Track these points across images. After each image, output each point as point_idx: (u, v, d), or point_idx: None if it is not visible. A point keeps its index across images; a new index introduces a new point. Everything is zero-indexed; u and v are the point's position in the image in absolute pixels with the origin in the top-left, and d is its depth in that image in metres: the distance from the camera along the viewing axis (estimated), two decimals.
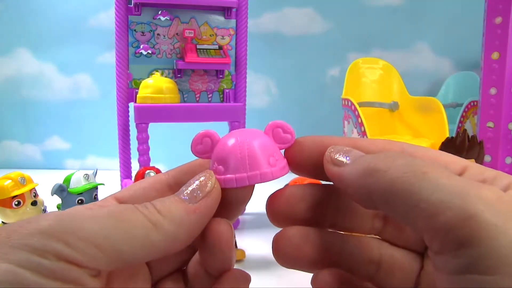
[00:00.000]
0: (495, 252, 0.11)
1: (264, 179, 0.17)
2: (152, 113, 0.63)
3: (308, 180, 0.20)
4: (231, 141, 0.18)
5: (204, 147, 0.19)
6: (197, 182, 0.17)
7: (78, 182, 0.53)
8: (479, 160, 0.48)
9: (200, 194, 0.17)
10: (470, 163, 0.16)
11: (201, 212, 0.17)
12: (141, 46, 0.69)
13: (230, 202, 0.19)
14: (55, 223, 0.15)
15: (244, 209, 0.20)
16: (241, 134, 0.18)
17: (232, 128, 0.69)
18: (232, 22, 0.72)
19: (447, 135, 0.61)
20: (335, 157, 0.17)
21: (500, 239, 0.11)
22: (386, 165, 0.14)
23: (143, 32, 0.69)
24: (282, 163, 0.18)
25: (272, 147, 0.18)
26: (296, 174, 0.19)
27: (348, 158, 0.17)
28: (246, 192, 0.19)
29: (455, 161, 0.17)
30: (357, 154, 0.17)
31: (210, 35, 0.72)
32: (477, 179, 0.15)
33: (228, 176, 0.17)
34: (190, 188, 0.17)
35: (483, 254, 0.11)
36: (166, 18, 0.69)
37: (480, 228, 0.12)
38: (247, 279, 0.19)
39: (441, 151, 0.17)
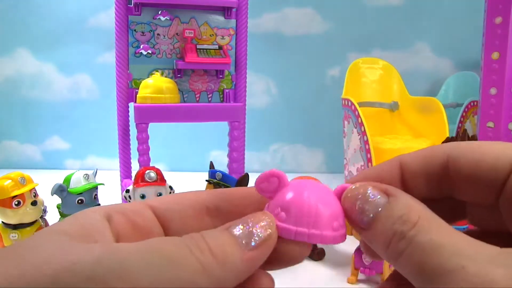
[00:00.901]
0: None
1: (323, 241, 0.16)
2: (152, 113, 0.63)
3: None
4: (302, 193, 0.17)
5: (269, 186, 0.18)
6: (257, 226, 0.16)
7: (78, 182, 0.53)
8: None
9: (258, 241, 0.15)
10: None
11: (254, 261, 0.15)
12: (141, 46, 0.69)
13: (281, 255, 0.17)
14: (98, 265, 0.13)
15: None
16: (313, 188, 0.17)
17: (232, 128, 0.69)
18: (232, 22, 0.72)
19: (447, 135, 0.61)
20: (356, 210, 0.17)
21: None
22: (399, 250, 0.15)
23: (143, 32, 0.69)
24: (343, 230, 0.17)
25: (339, 212, 0.17)
26: None
27: (369, 212, 0.16)
28: (303, 250, 0.17)
29: (503, 156, 0.16)
30: (376, 208, 0.16)
31: (210, 35, 0.72)
32: None
33: (288, 226, 0.16)
34: (248, 231, 0.15)
35: None
36: (166, 18, 0.69)
37: None
38: None
39: (490, 143, 0.17)
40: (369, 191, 0.16)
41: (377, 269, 0.48)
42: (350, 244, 0.62)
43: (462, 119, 0.87)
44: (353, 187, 0.17)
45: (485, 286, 0.12)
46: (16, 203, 0.51)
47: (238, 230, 0.15)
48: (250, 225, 0.16)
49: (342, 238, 0.17)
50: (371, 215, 0.16)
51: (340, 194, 0.18)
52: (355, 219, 0.17)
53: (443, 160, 0.17)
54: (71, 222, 0.15)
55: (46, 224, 0.59)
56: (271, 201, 0.17)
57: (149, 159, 0.65)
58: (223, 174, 0.53)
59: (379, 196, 0.16)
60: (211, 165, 0.57)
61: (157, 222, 0.18)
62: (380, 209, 0.16)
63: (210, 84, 0.73)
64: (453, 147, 0.17)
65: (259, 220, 0.16)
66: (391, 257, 0.15)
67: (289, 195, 0.17)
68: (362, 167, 0.64)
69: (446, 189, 0.17)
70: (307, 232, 0.16)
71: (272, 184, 0.17)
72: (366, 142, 0.62)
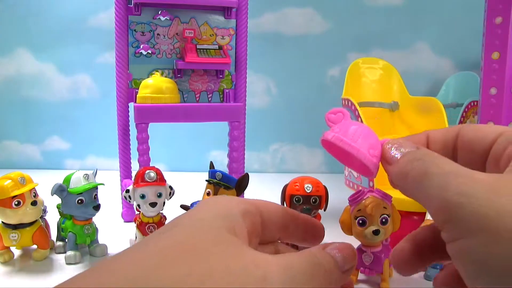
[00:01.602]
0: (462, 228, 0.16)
1: (359, 155, 0.22)
2: (152, 113, 0.63)
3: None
4: (355, 124, 0.23)
5: (335, 118, 0.24)
6: (347, 256, 0.19)
7: (78, 182, 0.53)
8: None
9: (347, 267, 0.19)
10: (506, 129, 0.21)
11: (344, 279, 0.19)
12: (141, 46, 0.69)
13: None
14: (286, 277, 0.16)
15: None
16: (364, 127, 0.23)
17: (232, 128, 0.69)
18: (232, 22, 0.72)
19: None
20: (390, 151, 0.21)
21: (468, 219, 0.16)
22: (411, 166, 0.19)
23: (143, 32, 0.69)
24: (377, 160, 0.22)
25: (378, 147, 0.22)
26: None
27: (398, 152, 0.21)
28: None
29: (493, 131, 0.21)
30: (405, 151, 0.21)
31: (210, 35, 0.72)
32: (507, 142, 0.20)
33: (338, 135, 0.22)
34: (344, 258, 0.19)
35: (454, 229, 0.16)
36: (166, 18, 0.69)
37: (452, 213, 0.16)
38: None
39: (491, 125, 0.23)
40: (404, 143, 0.21)
41: (377, 269, 0.48)
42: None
43: (462, 119, 0.87)
44: (395, 138, 0.22)
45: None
46: (16, 203, 0.51)
47: (335, 253, 0.19)
48: (344, 253, 0.19)
49: (374, 165, 0.22)
50: (399, 154, 0.21)
51: (383, 142, 0.23)
52: (387, 156, 0.21)
53: (456, 132, 0.22)
54: (224, 219, 0.18)
55: (46, 224, 0.59)
56: (334, 126, 0.24)
57: (149, 159, 0.65)
58: (223, 174, 0.53)
59: (410, 146, 0.21)
60: (211, 165, 0.57)
61: (260, 224, 0.21)
62: (407, 151, 0.21)
63: (210, 84, 0.73)
64: (465, 125, 0.23)
65: (348, 252, 0.20)
66: (403, 172, 0.20)
67: (346, 123, 0.24)
68: None
69: (455, 157, 0.23)
70: (350, 143, 0.22)
71: (338, 117, 0.24)
72: None
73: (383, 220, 0.45)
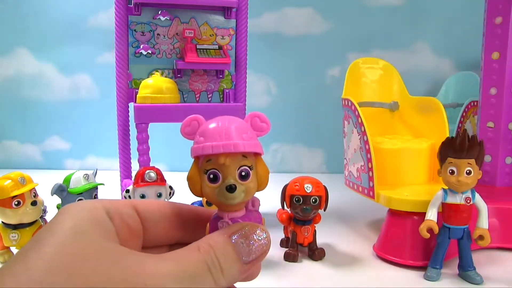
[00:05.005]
0: None
1: (237, 148, 0.19)
2: (152, 113, 0.63)
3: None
4: (213, 120, 0.21)
5: (191, 129, 0.21)
6: (256, 243, 0.19)
7: (78, 182, 0.53)
8: (479, 160, 0.48)
9: (255, 257, 0.19)
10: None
11: (247, 271, 0.19)
12: (141, 46, 0.69)
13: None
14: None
15: None
16: (223, 117, 0.21)
17: None
18: (232, 22, 0.72)
19: (447, 135, 0.61)
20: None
21: None
22: None
23: (143, 32, 0.69)
24: (255, 141, 0.21)
25: (248, 128, 0.21)
26: None
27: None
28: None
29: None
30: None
31: (210, 35, 0.72)
32: None
33: (207, 144, 0.19)
34: (248, 247, 0.19)
35: None
36: (166, 18, 0.69)
37: None
38: None
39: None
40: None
41: None
42: (351, 245, 0.62)
43: (462, 119, 0.87)
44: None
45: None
46: (16, 203, 0.51)
47: (240, 243, 0.19)
48: (251, 242, 0.19)
49: (255, 147, 0.20)
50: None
51: (248, 120, 0.22)
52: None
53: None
54: (94, 222, 0.17)
55: None
56: (195, 136, 0.21)
57: (149, 159, 0.65)
58: None
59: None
60: None
61: (140, 224, 0.20)
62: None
63: (210, 84, 0.73)
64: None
65: (258, 237, 0.19)
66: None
67: (204, 125, 0.21)
68: (362, 167, 0.64)
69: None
70: (222, 144, 0.19)
71: (193, 127, 0.21)
72: (366, 142, 0.62)
73: (243, 173, 0.25)
